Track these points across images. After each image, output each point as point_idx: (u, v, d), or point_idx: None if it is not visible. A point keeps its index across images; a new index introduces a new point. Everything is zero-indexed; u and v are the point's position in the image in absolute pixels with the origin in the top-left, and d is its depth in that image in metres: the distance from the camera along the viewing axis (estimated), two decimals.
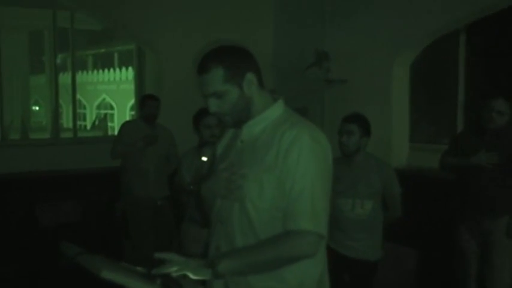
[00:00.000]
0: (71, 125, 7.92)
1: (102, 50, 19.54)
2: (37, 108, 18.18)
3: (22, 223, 5.78)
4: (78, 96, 19.28)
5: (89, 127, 18.46)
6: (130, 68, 16.29)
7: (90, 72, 20.51)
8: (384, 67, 5.75)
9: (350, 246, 3.75)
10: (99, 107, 19.92)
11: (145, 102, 5.25)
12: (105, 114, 18.69)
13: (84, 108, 20.41)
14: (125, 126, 5.42)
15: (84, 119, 19.93)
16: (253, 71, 1.87)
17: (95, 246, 5.49)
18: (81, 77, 20.13)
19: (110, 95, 19.16)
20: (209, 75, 1.82)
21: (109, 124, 16.48)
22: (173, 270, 1.70)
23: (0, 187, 5.82)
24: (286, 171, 1.76)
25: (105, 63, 19.90)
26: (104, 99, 19.60)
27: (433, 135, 5.91)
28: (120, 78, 18.17)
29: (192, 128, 3.92)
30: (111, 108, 19.10)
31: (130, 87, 12.44)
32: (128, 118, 13.06)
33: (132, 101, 12.50)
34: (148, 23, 6.42)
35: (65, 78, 10.76)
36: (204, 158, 2.35)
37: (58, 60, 11.82)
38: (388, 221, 3.84)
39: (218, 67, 1.81)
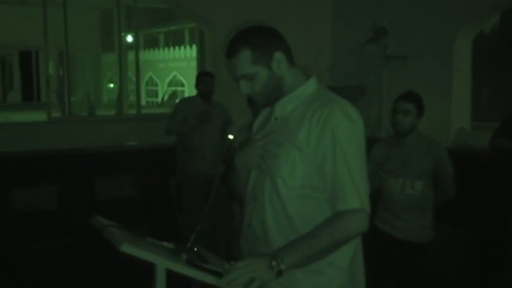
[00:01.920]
0: (143, 102, 8.01)
1: (173, 28, 19.76)
2: (111, 85, 18.62)
3: (81, 195, 5.93)
4: (150, 73, 19.95)
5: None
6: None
7: (161, 49, 20.82)
8: (445, 42, 5.53)
9: (399, 227, 3.66)
10: (170, 84, 20.19)
11: (201, 79, 5.24)
12: (174, 91, 18.92)
13: (156, 85, 20.86)
14: (181, 103, 5.42)
15: (156, 96, 20.37)
16: (281, 50, 1.87)
17: (150, 220, 5.72)
18: (152, 54, 20.56)
19: (181, 72, 19.34)
20: (237, 58, 1.84)
21: (177, 101, 16.74)
22: (240, 276, 1.66)
23: (61, 161, 5.97)
24: (322, 152, 1.77)
25: (176, 40, 20.12)
26: (174, 76, 19.86)
27: (496, 113, 5.62)
28: (191, 55, 18.25)
29: (247, 106, 3.88)
30: (182, 85, 19.35)
31: None
32: None
33: None
34: (204, 1, 6.41)
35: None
36: (231, 136, 2.28)
37: (128, 39, 11.94)
38: (439, 202, 3.72)
39: (245, 49, 1.82)
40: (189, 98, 5.71)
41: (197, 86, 5.31)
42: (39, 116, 7.32)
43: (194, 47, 17.80)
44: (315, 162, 1.79)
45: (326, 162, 1.77)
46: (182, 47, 19.86)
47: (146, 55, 20.25)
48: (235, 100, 4.55)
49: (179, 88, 19.67)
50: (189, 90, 17.99)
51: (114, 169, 6.01)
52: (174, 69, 19.95)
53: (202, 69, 7.30)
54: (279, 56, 1.85)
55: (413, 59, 5.80)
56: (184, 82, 19.36)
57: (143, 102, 10.94)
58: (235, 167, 1.99)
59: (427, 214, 3.68)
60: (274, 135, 1.88)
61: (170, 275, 1.76)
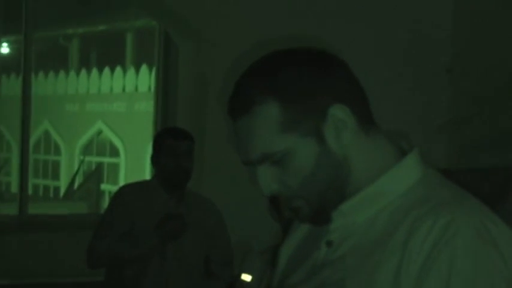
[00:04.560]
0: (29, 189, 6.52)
1: (101, 28, 13.31)
2: None
3: None
4: (45, 123, 14.22)
5: None
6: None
7: (73, 72, 13.75)
8: None
9: None
10: (88, 150, 14.93)
11: (165, 144, 3.43)
12: (98, 166, 12.88)
13: (58, 151, 14.50)
14: (121, 196, 3.45)
15: (57, 177, 14.11)
16: (344, 98, 1.15)
17: None
18: (54, 82, 13.39)
19: (113, 123, 13.49)
20: (252, 120, 1.15)
21: (106, 191, 11.01)
22: None
23: None
24: None
25: (104, 56, 14.01)
26: (99, 132, 13.69)
27: None
28: (136, 88, 12.65)
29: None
30: (115, 152, 13.70)
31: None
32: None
33: None
34: None
35: None
36: (247, 277, 1.51)
37: (2, 49, 8.64)
38: None
39: (269, 102, 1.13)
40: (138, 186, 3.69)
41: (155, 159, 3.42)
42: None
43: (146, 68, 11.43)
44: None
45: None
46: (118, 70, 12.00)
47: (41, 84, 12.28)
48: (244, 191, 3.48)
49: (108, 159, 11.88)
50: (132, 163, 11.21)
51: None
52: (99, 117, 12.08)
53: (164, 118, 5.11)
54: (339, 111, 1.13)
55: None
56: (120, 146, 12.00)
57: (29, 190, 5.61)
58: None
59: None
60: (328, 275, 1.16)
61: None
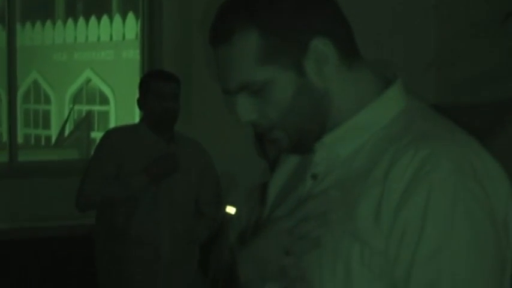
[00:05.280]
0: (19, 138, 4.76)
1: None
2: None
3: None
4: (34, 73, 13.32)
5: None
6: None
7: (59, 22, 13.53)
8: None
9: None
10: (78, 98, 15.12)
11: (151, 86, 3.30)
12: (88, 114, 13.10)
13: (48, 100, 14.72)
14: (108, 139, 3.36)
15: (47, 125, 14.54)
16: (327, 32, 1.09)
17: None
18: (41, 32, 13.64)
19: (101, 71, 13.04)
20: (231, 48, 1.10)
21: (96, 135, 10.89)
22: None
23: None
24: (398, 237, 1.02)
25: (90, 4, 14.31)
26: (88, 80, 13.29)
27: None
28: (123, 36, 12.21)
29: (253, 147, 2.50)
30: (104, 100, 13.77)
31: None
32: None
33: None
34: None
35: None
36: (232, 209, 1.72)
37: None
38: None
39: (248, 30, 1.08)
40: (126, 129, 3.56)
41: (142, 102, 3.32)
42: None
43: (132, 16, 12.16)
44: (390, 259, 1.03)
45: (400, 256, 1.01)
46: (105, 18, 12.35)
47: (27, 34, 12.29)
48: (231, 133, 3.54)
49: (98, 107, 12.81)
50: (121, 111, 12.14)
51: None
52: (87, 66, 12.80)
53: (151, 66, 4.83)
54: (320, 45, 1.08)
55: None
56: (110, 94, 12.70)
57: (19, 138, 5.95)
58: (238, 280, 1.16)
59: None
60: (311, 208, 1.11)
61: None
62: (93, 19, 12.83)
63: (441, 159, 1.02)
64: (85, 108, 13.04)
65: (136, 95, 3.34)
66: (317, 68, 1.10)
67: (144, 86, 3.26)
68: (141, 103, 3.27)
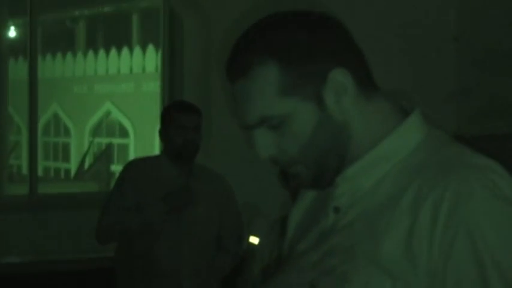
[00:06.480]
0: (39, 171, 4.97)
1: (106, 10, 13.04)
2: None
3: None
4: (54, 105, 13.05)
5: None
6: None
7: (81, 55, 13.61)
8: None
9: None
10: (98, 131, 14.47)
11: (173, 118, 3.29)
12: (108, 146, 12.47)
13: (67, 133, 13.91)
14: (129, 171, 3.34)
15: (67, 158, 13.56)
16: (344, 62, 1.08)
17: None
18: (62, 65, 13.62)
19: (121, 104, 12.95)
20: (250, 82, 1.08)
21: (116, 167, 10.69)
22: None
23: None
24: (451, 276, 0.99)
25: (112, 37, 13.27)
26: (108, 112, 13.03)
27: None
28: (144, 68, 12.04)
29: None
30: (124, 133, 13.17)
31: None
32: None
33: None
34: None
35: None
36: (255, 240, 1.70)
37: (10, 32, 7.99)
38: None
39: (267, 63, 1.07)
40: (146, 161, 3.57)
41: (163, 133, 3.32)
42: None
43: (152, 49, 11.07)
44: None
45: None
46: (125, 50, 11.98)
47: (48, 66, 12.27)
48: (251, 164, 2.80)
49: (117, 140, 11.95)
50: (141, 143, 11.31)
51: None
52: (107, 98, 12.21)
53: (171, 98, 4.88)
54: (339, 76, 1.07)
55: None
56: (129, 126, 12.03)
57: (39, 171, 6.46)
58: None
59: None
60: (337, 242, 1.09)
61: None
62: (113, 51, 12.92)
63: (475, 190, 1.00)
64: (105, 140, 13.09)
65: (156, 128, 3.31)
66: (336, 99, 1.09)
67: (166, 117, 3.24)
68: (162, 134, 3.25)
